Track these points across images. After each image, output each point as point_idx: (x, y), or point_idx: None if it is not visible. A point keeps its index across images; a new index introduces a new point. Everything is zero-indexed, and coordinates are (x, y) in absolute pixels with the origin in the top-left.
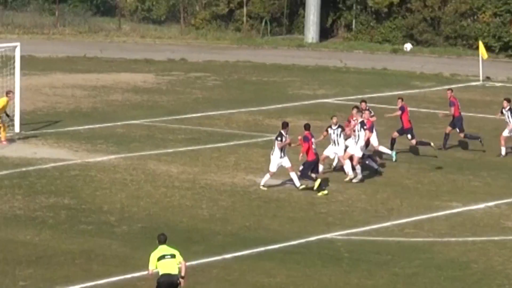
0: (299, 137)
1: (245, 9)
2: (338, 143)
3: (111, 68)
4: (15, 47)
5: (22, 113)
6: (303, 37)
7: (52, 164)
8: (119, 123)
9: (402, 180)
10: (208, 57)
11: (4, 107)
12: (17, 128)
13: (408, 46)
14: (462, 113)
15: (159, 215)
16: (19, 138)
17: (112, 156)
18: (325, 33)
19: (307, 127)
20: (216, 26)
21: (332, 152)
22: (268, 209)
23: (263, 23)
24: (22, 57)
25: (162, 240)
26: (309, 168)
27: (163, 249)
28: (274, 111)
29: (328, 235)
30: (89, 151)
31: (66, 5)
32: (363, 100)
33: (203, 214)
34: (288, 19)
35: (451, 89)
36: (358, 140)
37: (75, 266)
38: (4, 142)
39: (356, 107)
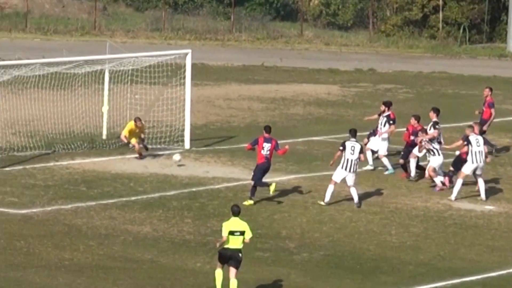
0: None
1: (441, 15)
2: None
3: (292, 79)
4: (186, 54)
5: (193, 128)
6: (506, 45)
7: (226, 184)
8: (299, 140)
9: None
10: (400, 67)
11: (131, 132)
12: (187, 144)
13: (177, 158)
14: None
15: (344, 242)
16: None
17: (292, 176)
18: None
19: (267, 129)
20: (409, 33)
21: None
22: (465, 236)
23: (461, 30)
24: (193, 65)
25: (236, 212)
26: (259, 173)
27: (235, 222)
28: None
29: None
30: None
31: (243, 9)
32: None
33: (392, 241)
34: (489, 25)
35: (490, 88)
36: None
37: None
38: (135, 145)
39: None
